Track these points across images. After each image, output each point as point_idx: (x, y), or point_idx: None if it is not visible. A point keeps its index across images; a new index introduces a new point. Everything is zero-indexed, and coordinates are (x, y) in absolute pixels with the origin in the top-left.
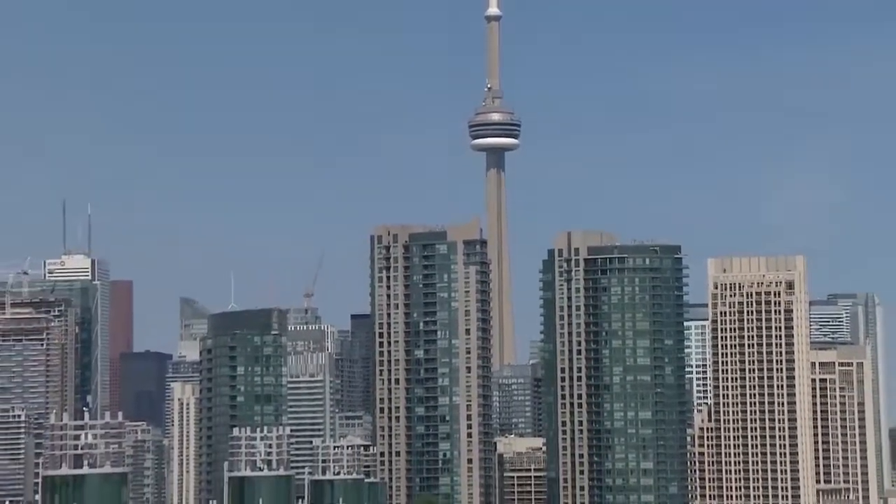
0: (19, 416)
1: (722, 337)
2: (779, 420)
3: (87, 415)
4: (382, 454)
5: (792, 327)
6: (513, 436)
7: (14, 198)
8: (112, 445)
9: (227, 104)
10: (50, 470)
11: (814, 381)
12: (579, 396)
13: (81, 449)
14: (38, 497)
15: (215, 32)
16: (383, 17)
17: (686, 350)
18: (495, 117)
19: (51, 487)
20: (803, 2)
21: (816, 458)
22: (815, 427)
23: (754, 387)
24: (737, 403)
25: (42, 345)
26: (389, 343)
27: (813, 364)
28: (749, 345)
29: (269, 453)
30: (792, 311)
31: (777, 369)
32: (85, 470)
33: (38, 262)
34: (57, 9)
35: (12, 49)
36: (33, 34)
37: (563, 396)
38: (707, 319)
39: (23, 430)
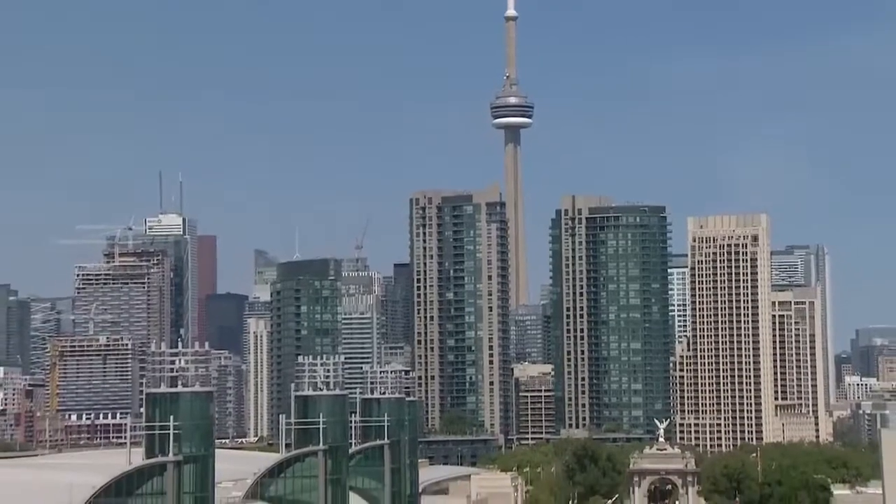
0: (127, 344)
1: (699, 281)
2: (745, 348)
3: (180, 344)
4: (420, 378)
5: (756, 273)
6: (526, 363)
7: (119, 168)
8: (200, 369)
9: (296, 86)
10: (151, 388)
11: (774, 316)
12: (581, 330)
13: (176, 372)
14: (142, 410)
15: (289, 19)
16: (420, 18)
17: (669, 292)
18: (512, 100)
19: (152, 402)
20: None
21: (775, 379)
22: (775, 354)
23: (725, 322)
24: (711, 335)
25: (144, 287)
26: (425, 287)
27: (773, 303)
28: (721, 287)
29: (327, 377)
30: (756, 259)
31: (744, 307)
32: (179, 388)
33: (140, 221)
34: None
35: (106, 40)
36: (132, 23)
37: (568, 330)
38: (687, 267)
39: (129, 356)
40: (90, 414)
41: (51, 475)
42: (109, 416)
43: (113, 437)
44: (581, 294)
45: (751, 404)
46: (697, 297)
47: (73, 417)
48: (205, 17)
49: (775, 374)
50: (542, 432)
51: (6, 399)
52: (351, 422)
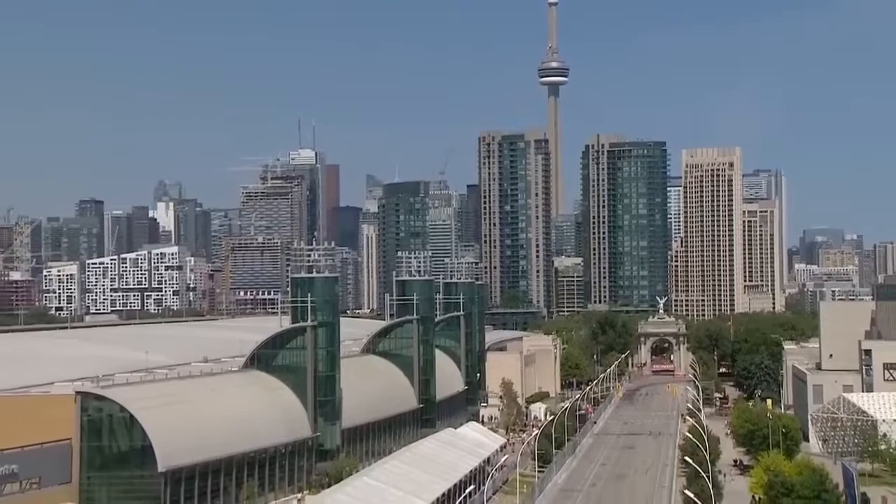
0: (276, 243)
1: (690, 196)
2: (722, 245)
3: (314, 243)
4: (486, 267)
5: (731, 190)
6: (563, 256)
7: (270, 116)
8: (329, 260)
9: (398, 56)
10: (295, 273)
11: (744, 222)
12: (603, 233)
13: (311, 262)
14: (288, 289)
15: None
16: (485, 5)
17: (668, 204)
18: (554, 64)
19: (295, 283)
20: None
21: (744, 266)
22: (744, 249)
23: (708, 226)
24: (698, 236)
25: (288, 202)
26: (489, 202)
27: (743, 212)
28: (706, 201)
29: (419, 266)
30: (732, 180)
31: (722, 215)
32: (314, 274)
33: (286, 154)
34: None
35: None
36: None
37: (594, 233)
38: (681, 186)
39: (279, 251)
40: (253, 291)
41: (228, 333)
42: (266, 293)
43: (269, 308)
44: (603, 206)
45: (726, 285)
46: (689, 207)
47: (242, 293)
48: None
49: (744, 262)
50: (574, 306)
51: (196, 280)
52: (436, 299)
